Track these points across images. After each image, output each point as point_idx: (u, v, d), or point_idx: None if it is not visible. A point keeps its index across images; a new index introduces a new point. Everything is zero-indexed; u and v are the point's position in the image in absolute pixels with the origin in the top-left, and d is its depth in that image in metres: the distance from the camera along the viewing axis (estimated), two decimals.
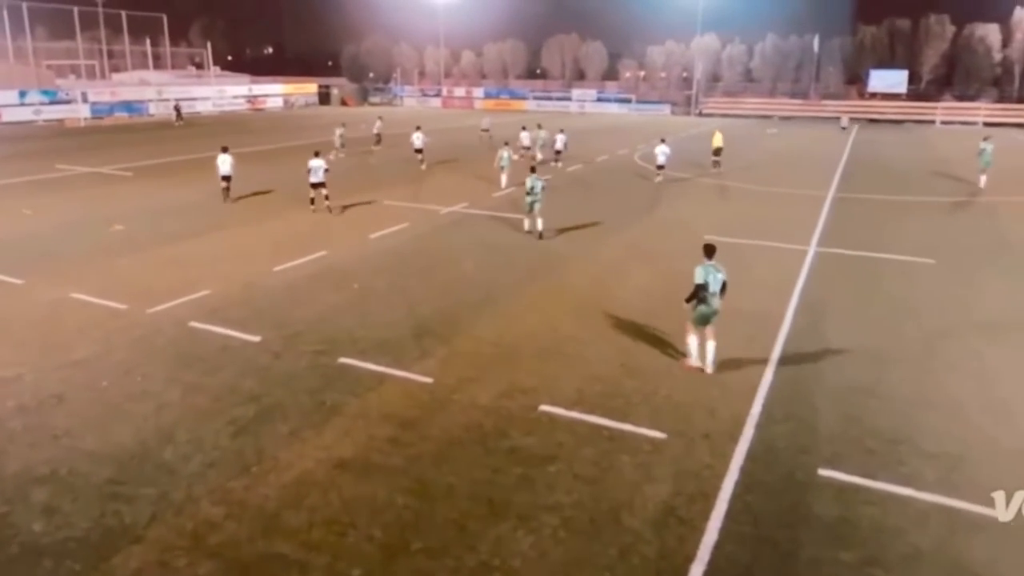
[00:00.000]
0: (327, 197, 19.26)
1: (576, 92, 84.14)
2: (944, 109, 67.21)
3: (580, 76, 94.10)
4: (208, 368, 9.51)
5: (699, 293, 9.31)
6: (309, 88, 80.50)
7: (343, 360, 9.78)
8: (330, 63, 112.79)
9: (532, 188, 16.68)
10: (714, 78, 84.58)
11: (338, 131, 31.80)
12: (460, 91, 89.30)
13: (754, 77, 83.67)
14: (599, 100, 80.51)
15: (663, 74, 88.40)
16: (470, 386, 9.06)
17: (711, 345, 9.57)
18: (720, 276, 9.44)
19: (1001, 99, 71.37)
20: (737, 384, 9.26)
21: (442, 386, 9.06)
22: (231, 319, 11.16)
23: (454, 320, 11.30)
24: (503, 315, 11.63)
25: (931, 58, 75.01)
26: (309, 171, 19.26)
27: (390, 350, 10.11)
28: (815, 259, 15.39)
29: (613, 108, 77.64)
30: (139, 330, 10.76)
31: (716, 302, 9.44)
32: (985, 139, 26.71)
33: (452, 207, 20.15)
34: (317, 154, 19.77)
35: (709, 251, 9.57)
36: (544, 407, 8.55)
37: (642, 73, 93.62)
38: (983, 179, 25.76)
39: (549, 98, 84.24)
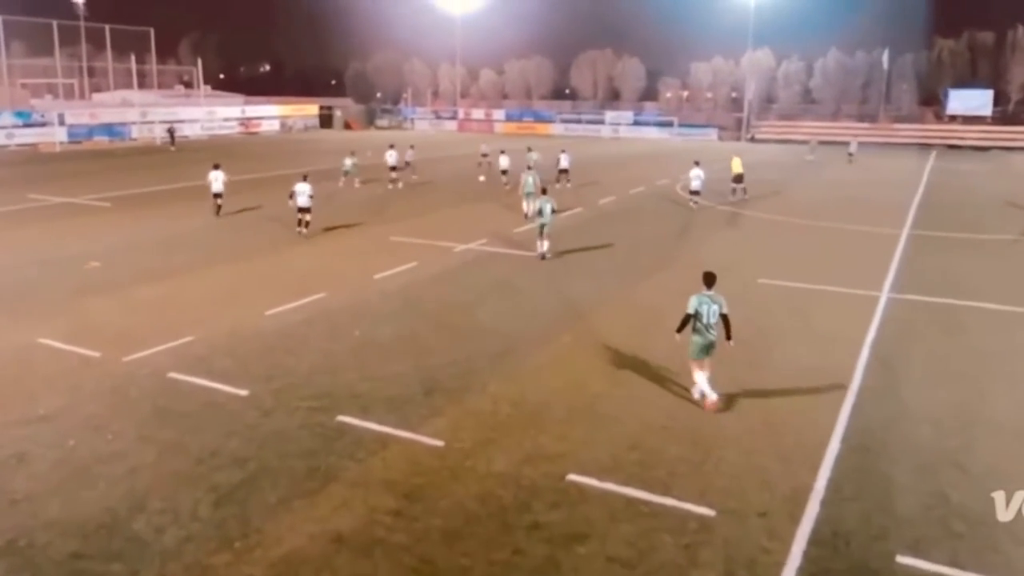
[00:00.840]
0: (307, 224, 21.05)
1: (610, 114, 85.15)
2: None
3: (614, 96, 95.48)
4: (188, 426, 9.59)
5: (687, 322, 10.37)
6: (309, 110, 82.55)
7: (342, 418, 9.81)
8: (333, 82, 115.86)
9: (541, 210, 18.75)
10: (768, 99, 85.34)
11: (348, 160, 33.35)
12: (478, 113, 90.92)
13: (814, 98, 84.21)
14: (636, 123, 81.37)
15: (709, 94, 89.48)
16: (486, 450, 9.04)
17: (706, 377, 10.42)
18: (715, 307, 10.39)
19: None
20: (798, 453, 9.12)
21: (454, 450, 9.05)
22: (216, 370, 11.28)
23: (469, 374, 11.32)
24: (525, 369, 11.63)
25: (1019, 76, 75.11)
26: (292, 195, 21.16)
27: (395, 407, 10.12)
28: (888, 307, 15.25)
29: (652, 132, 78.47)
30: (112, 381, 10.91)
31: (712, 334, 10.34)
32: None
33: (468, 244, 20.36)
34: (305, 177, 21.60)
35: (708, 280, 10.57)
36: (572, 476, 8.49)
37: (685, 93, 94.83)
38: None
39: (579, 121, 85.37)
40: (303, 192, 20.89)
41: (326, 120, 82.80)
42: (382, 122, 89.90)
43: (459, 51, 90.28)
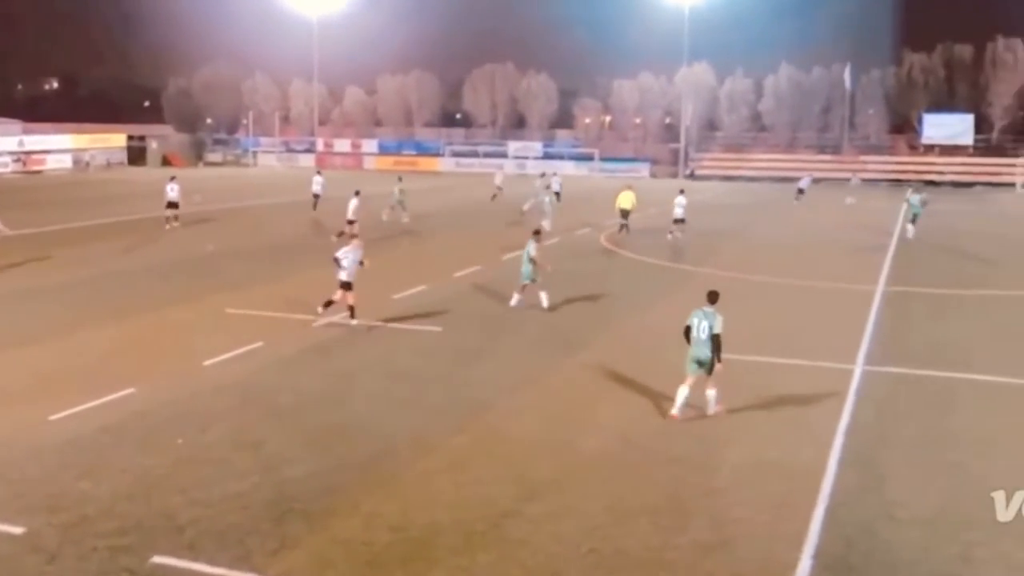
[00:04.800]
0: (176, 218, 26.14)
1: (514, 145, 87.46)
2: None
3: (519, 122, 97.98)
4: None
5: (686, 335, 13.44)
6: (114, 140, 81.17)
7: (158, 560, 9.42)
8: (147, 103, 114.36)
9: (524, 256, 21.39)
10: (710, 125, 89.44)
11: (396, 189, 39.64)
12: (343, 144, 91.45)
13: (765, 124, 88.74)
14: (547, 156, 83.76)
15: (637, 119, 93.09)
16: None
17: (709, 393, 13.59)
18: (707, 323, 13.25)
19: None
20: None
21: None
22: None
23: (334, 490, 11.13)
24: (409, 480, 11.52)
25: (1003, 97, 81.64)
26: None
27: (234, 541, 9.81)
28: (864, 382, 15.98)
29: (567, 167, 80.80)
30: None
31: (700, 350, 13.31)
32: (916, 191, 40.92)
33: (331, 317, 20.22)
34: (173, 178, 28.68)
35: (710, 297, 13.65)
36: None
37: (607, 118, 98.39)
38: (912, 230, 36.84)
39: (475, 153, 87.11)
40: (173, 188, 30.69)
41: (137, 154, 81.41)
42: (214, 156, 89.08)
43: (317, 64, 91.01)
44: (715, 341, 13.22)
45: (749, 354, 17.43)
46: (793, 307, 22.69)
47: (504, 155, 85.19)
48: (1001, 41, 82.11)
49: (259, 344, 17.78)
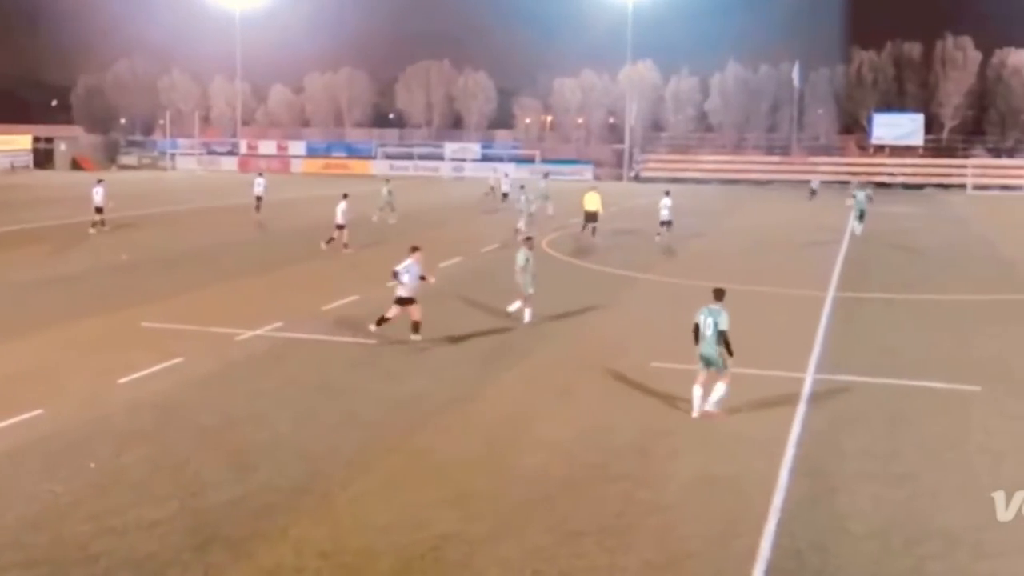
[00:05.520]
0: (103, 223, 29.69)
1: (451, 147, 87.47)
2: (976, 168, 74.60)
3: (456, 123, 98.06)
4: None
5: (695, 333, 14.37)
6: (18, 142, 79.36)
7: None
8: (55, 102, 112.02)
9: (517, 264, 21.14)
10: (655, 126, 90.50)
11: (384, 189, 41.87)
12: (268, 146, 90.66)
13: (711, 123, 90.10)
14: (485, 159, 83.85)
15: (580, 120, 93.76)
16: None
17: (718, 386, 14.29)
18: (712, 320, 14.13)
19: None
20: None
21: None
22: None
23: (261, 514, 11.01)
24: (340, 502, 11.44)
25: (952, 96, 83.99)
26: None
27: (151, 571, 9.65)
28: (815, 391, 16.27)
29: (508, 170, 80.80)
30: None
31: (707, 347, 14.17)
32: (859, 187, 44.53)
33: (257, 329, 20.04)
34: (100, 181, 31.63)
35: (716, 294, 14.60)
36: None
37: (549, 118, 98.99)
38: (859, 227, 39.65)
39: (409, 156, 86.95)
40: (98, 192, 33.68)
41: (45, 157, 79.85)
42: (129, 159, 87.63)
43: (240, 60, 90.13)
44: (723, 337, 14.14)
45: (693, 363, 17.64)
46: (742, 314, 22.83)
47: (440, 157, 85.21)
48: (950, 39, 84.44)
49: (178, 360, 17.53)
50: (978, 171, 74.76)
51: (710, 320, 14.18)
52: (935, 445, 13.78)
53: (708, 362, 14.28)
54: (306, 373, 17.13)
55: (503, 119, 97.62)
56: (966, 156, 79.19)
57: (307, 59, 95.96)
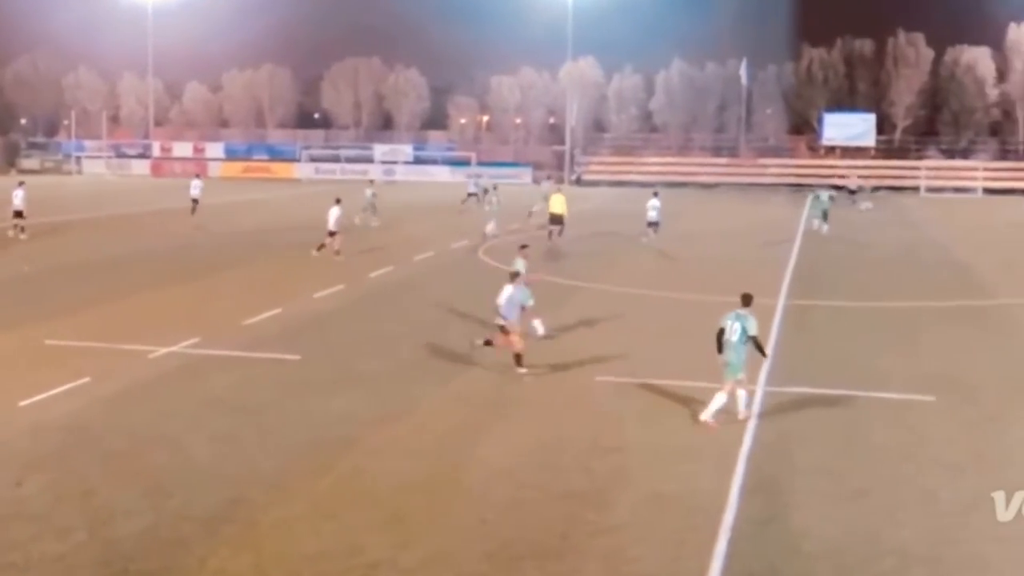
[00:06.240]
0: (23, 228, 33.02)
1: (381, 149, 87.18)
2: (930, 170, 76.31)
3: (386, 123, 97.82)
4: None
5: (719, 339, 14.91)
6: None
7: None
8: None
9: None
10: (597, 126, 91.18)
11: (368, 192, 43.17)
12: (184, 148, 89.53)
13: (656, 124, 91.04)
14: (418, 161, 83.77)
15: (518, 120, 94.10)
16: None
17: (740, 394, 15.02)
18: (739, 324, 14.72)
19: (1003, 154, 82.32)
20: None
21: None
22: None
23: (177, 544, 10.86)
24: (263, 529, 11.31)
25: (904, 95, 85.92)
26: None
27: None
28: (767, 405, 16.44)
29: (442, 173, 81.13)
30: None
31: (731, 353, 14.73)
32: (823, 188, 48.62)
33: (171, 346, 19.77)
34: (21, 183, 32.88)
35: (744, 299, 15.18)
36: None
37: (485, 118, 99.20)
38: (824, 227, 43.09)
39: (336, 158, 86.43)
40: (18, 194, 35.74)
41: None
42: (30, 162, 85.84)
43: (152, 56, 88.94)
44: (755, 343, 14.92)
45: (644, 377, 17.77)
46: (692, 324, 23.14)
47: (370, 159, 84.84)
48: (902, 36, 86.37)
49: (86, 380, 17.23)
50: (931, 173, 76.49)
51: (737, 325, 14.76)
52: (890, 458, 14.02)
53: (731, 370, 14.90)
54: (224, 392, 16.94)
55: (437, 119, 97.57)
56: (919, 157, 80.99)
57: (225, 55, 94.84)
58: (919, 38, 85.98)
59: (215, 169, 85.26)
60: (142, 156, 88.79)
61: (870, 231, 45.44)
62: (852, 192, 61.37)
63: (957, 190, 74.56)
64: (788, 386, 17.60)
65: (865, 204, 58.01)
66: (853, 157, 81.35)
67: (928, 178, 75.37)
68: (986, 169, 77.14)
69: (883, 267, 33.44)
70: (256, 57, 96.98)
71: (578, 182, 78.48)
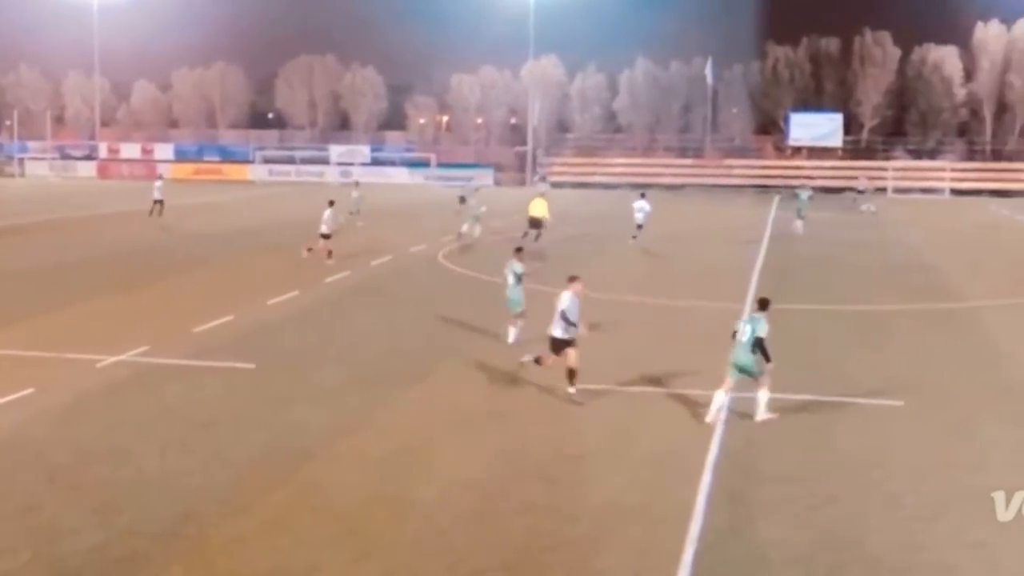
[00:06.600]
0: None
1: (337, 150, 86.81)
2: (897, 171, 77.17)
3: (343, 124, 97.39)
4: None
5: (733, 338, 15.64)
6: None
7: None
8: None
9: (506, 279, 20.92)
10: (561, 127, 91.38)
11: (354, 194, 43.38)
12: (132, 149, 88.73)
13: (621, 124, 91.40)
14: (376, 163, 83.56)
15: (479, 120, 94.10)
16: None
17: (759, 395, 15.60)
18: (750, 327, 15.35)
19: (971, 154, 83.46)
20: None
21: None
22: None
23: (124, 562, 10.79)
24: (216, 545, 11.24)
25: (871, 94, 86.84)
26: None
27: None
28: (732, 411, 16.52)
29: (400, 175, 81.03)
30: None
31: (738, 354, 15.34)
32: (801, 187, 50.52)
33: (120, 355, 19.58)
34: None
35: (761, 303, 16.09)
36: None
37: (445, 118, 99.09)
38: (800, 225, 45.17)
39: (291, 160, 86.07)
40: None
41: None
42: None
43: (99, 54, 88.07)
44: (759, 345, 15.31)
45: (605, 383, 17.83)
46: (658, 330, 23.34)
47: (326, 161, 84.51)
48: (869, 34, 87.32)
49: (29, 391, 17.03)
50: (899, 174, 77.35)
51: (748, 327, 15.39)
52: (858, 464, 14.17)
53: (740, 369, 15.39)
54: (175, 402, 16.80)
55: (395, 119, 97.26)
56: (886, 158, 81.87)
57: (175, 52, 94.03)
58: (886, 37, 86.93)
59: (164, 171, 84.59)
60: (88, 157, 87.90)
61: (835, 232, 45.85)
62: (860, 192, 62.06)
63: (924, 191, 75.51)
64: (754, 392, 17.73)
65: (867, 206, 58.48)
66: (820, 158, 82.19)
67: (895, 179, 76.21)
68: (953, 170, 78.20)
69: (849, 270, 33.77)
70: (207, 55, 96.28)
71: (542, 181, 78.48)
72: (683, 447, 14.74)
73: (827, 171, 79.35)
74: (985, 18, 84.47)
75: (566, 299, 16.85)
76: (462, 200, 44.05)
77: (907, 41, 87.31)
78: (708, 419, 15.33)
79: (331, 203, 33.46)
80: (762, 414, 15.57)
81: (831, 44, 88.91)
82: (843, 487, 13.32)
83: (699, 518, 12.11)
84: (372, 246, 37.01)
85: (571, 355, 16.65)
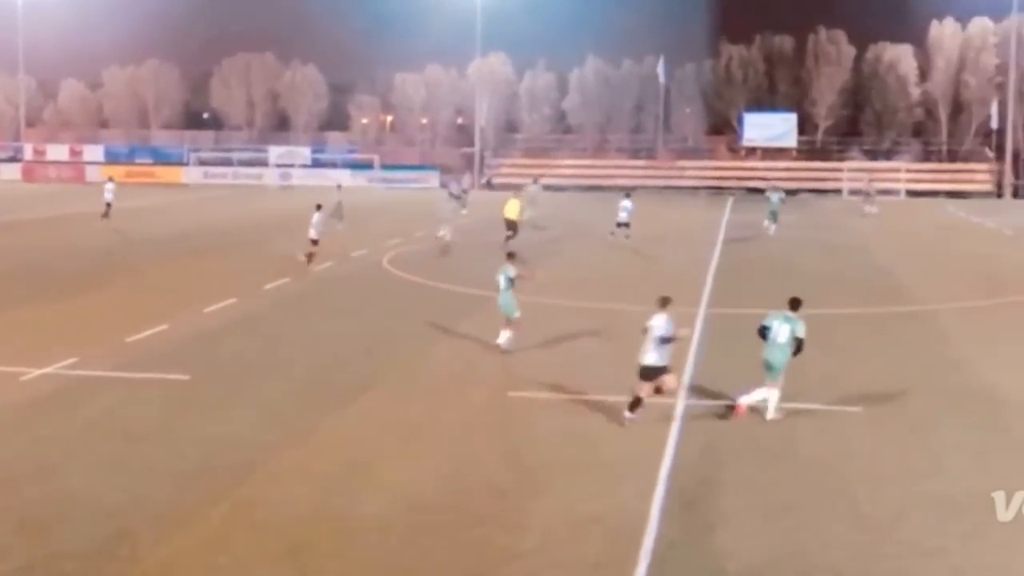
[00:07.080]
0: None
1: (276, 151, 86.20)
2: (852, 172, 78.12)
3: (282, 124, 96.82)
4: None
5: (762, 335, 16.30)
6: None
7: None
8: None
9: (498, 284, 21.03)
10: (509, 127, 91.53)
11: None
12: (59, 151, 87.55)
13: (571, 124, 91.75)
14: (316, 164, 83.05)
15: (424, 120, 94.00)
16: None
17: (772, 394, 16.17)
18: (788, 327, 16.06)
19: (927, 155, 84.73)
20: None
21: None
22: None
23: None
24: (152, 566, 11.14)
25: (826, 94, 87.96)
26: None
27: None
28: (687, 418, 16.68)
29: (343, 177, 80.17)
30: None
31: (775, 353, 16.07)
32: (772, 188, 51.16)
33: (46, 367, 19.32)
34: None
35: (793, 304, 16.57)
36: None
37: (389, 118, 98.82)
38: (772, 227, 46.60)
39: (228, 162, 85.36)
40: None
41: None
42: None
43: (23, 51, 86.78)
44: (799, 345, 16.10)
45: (554, 392, 17.88)
46: (611, 335, 23.39)
47: (264, 163, 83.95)
48: (823, 32, 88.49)
49: None
50: (854, 175, 78.25)
51: (786, 327, 16.06)
52: (815, 473, 14.32)
53: (770, 367, 16.11)
54: (105, 416, 16.64)
55: (337, 119, 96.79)
56: (841, 159, 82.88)
57: (105, 50, 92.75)
58: (840, 35, 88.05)
59: (94, 173, 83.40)
60: (12, 160, 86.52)
61: (790, 235, 46.32)
62: (866, 195, 62.51)
63: (880, 192, 76.45)
64: (709, 398, 17.87)
65: (869, 208, 59.03)
66: (774, 159, 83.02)
67: (850, 180, 77.09)
68: (909, 171, 79.28)
69: (804, 273, 34.05)
70: (139, 52, 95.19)
71: (488, 186, 78.58)
72: (636, 456, 14.80)
73: (781, 172, 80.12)
74: (940, 17, 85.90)
75: (661, 322, 15.92)
76: (455, 197, 44.28)
77: (862, 40, 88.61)
78: (769, 416, 16.26)
79: (318, 207, 33.52)
80: (772, 413, 16.26)
81: (785, 43, 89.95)
82: (801, 495, 13.45)
83: (654, 529, 12.15)
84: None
85: (669, 380, 16.25)
